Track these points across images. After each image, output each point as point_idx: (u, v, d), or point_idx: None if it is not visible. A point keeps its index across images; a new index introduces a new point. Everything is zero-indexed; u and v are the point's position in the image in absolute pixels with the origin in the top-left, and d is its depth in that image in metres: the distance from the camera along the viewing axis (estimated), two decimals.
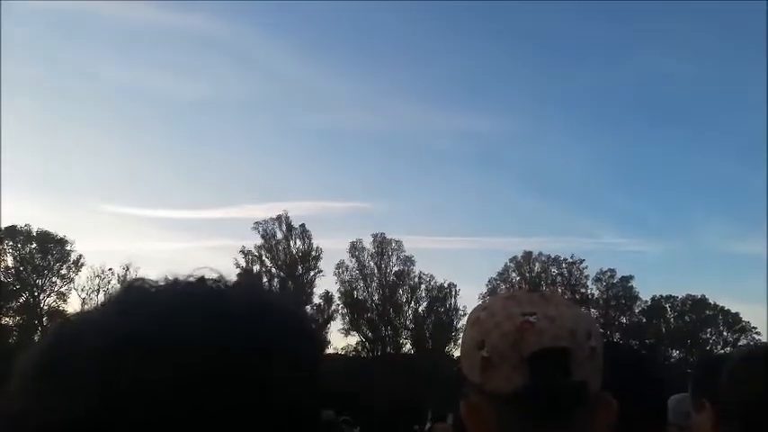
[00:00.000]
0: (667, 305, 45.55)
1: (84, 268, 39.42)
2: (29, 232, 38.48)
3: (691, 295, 45.09)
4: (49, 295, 38.94)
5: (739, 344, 42.55)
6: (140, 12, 53.85)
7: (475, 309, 0.88)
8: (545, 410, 0.78)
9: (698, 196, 59.64)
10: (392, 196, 62.81)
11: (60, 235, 38.98)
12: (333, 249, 55.29)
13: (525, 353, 0.78)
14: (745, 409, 1.13)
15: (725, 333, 44.31)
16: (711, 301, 44.56)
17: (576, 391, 0.78)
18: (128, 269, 39.81)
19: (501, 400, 0.79)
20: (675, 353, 44.09)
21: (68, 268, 39.33)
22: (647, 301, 45.32)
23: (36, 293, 38.48)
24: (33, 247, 38.68)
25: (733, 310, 44.20)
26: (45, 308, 38.59)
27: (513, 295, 0.86)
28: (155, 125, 58.94)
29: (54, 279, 39.07)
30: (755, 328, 43.29)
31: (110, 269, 39.59)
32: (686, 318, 44.95)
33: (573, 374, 0.78)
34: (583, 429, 0.81)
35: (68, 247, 39.22)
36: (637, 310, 45.36)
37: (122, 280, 39.48)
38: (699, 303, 44.78)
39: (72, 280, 39.35)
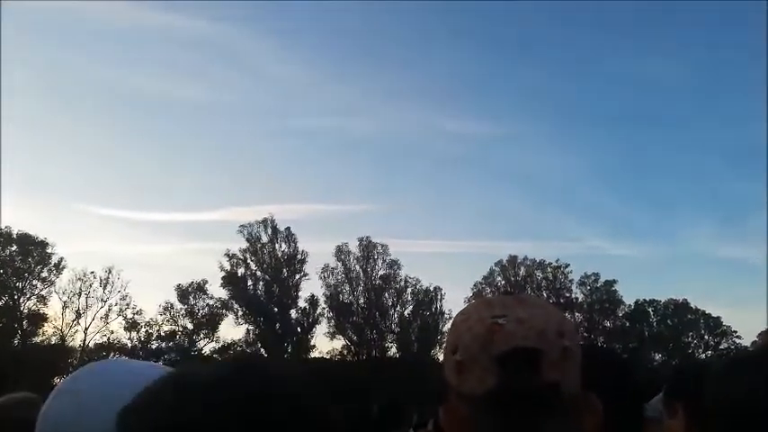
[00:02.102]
0: (650, 309, 46.06)
1: (65, 271, 38.95)
2: (9, 234, 37.87)
3: (673, 299, 45.70)
4: (29, 298, 38.36)
5: (720, 347, 43.20)
6: (133, 12, 53.41)
7: (456, 315, 0.90)
8: (517, 411, 0.78)
9: (682, 201, 60.50)
10: (378, 200, 62.86)
11: (41, 237, 38.50)
12: (318, 253, 55.07)
13: (494, 354, 0.78)
14: (720, 418, 1.14)
15: (706, 337, 44.90)
16: (693, 305, 45.23)
17: (547, 391, 0.78)
18: (110, 272, 39.37)
19: (476, 403, 0.80)
20: (658, 356, 44.56)
21: (49, 271, 38.78)
22: (630, 305, 45.84)
23: (16, 296, 37.86)
24: (13, 249, 38.07)
25: (714, 315, 44.90)
26: (25, 311, 37.99)
27: (488, 299, 0.88)
28: (141, 127, 58.48)
29: (34, 282, 38.50)
30: (736, 332, 43.99)
31: (92, 272, 39.13)
32: (668, 322, 45.47)
33: (543, 374, 0.78)
34: (561, 431, 0.80)
35: (49, 250, 38.72)
36: (620, 314, 45.81)
37: (104, 283, 39.10)
38: (681, 307, 45.34)
39: (53, 283, 38.81)
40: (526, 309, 0.83)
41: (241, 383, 0.64)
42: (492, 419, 0.80)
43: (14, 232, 37.98)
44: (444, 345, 0.89)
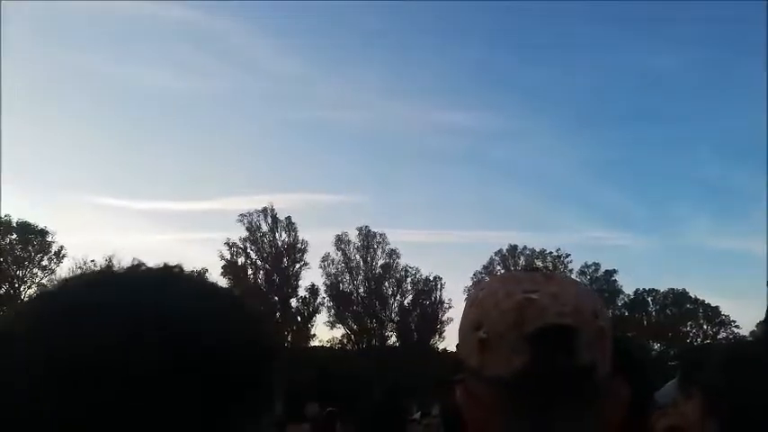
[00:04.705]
0: (649, 298, 46.20)
1: (65, 260, 39.00)
2: (9, 223, 37.88)
3: (672, 289, 45.81)
4: (29, 287, 38.37)
5: (719, 337, 43.34)
6: (131, 3, 53.04)
7: (474, 290, 0.81)
8: (548, 395, 0.70)
9: (682, 192, 60.46)
10: (378, 190, 62.76)
11: (41, 226, 38.53)
12: (318, 242, 55.14)
13: (526, 332, 0.70)
14: (735, 403, 1.12)
15: (705, 326, 45.06)
16: (692, 294, 45.36)
17: (583, 373, 0.70)
18: (110, 261, 39.30)
19: (500, 385, 0.72)
20: (656, 346, 44.76)
21: (50, 260, 38.86)
22: (629, 295, 45.98)
23: (16, 285, 37.93)
24: (13, 237, 38.10)
25: (713, 304, 45.05)
26: (25, 299, 38.00)
27: (514, 274, 0.79)
28: (141, 117, 58.26)
29: (35, 270, 38.59)
30: (734, 321, 44.15)
31: (92, 260, 39.15)
32: (668, 311, 45.61)
33: (579, 355, 0.70)
34: (592, 417, 0.73)
35: (50, 238, 38.76)
36: (619, 304, 45.94)
37: None
38: (680, 297, 45.46)
39: (53, 271, 38.78)
40: (558, 285, 0.74)
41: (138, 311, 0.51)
42: (518, 404, 0.72)
43: (14, 221, 38.05)
44: (461, 322, 0.79)
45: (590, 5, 58.29)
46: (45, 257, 38.78)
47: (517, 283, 0.75)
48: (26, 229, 38.16)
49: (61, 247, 38.99)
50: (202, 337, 0.52)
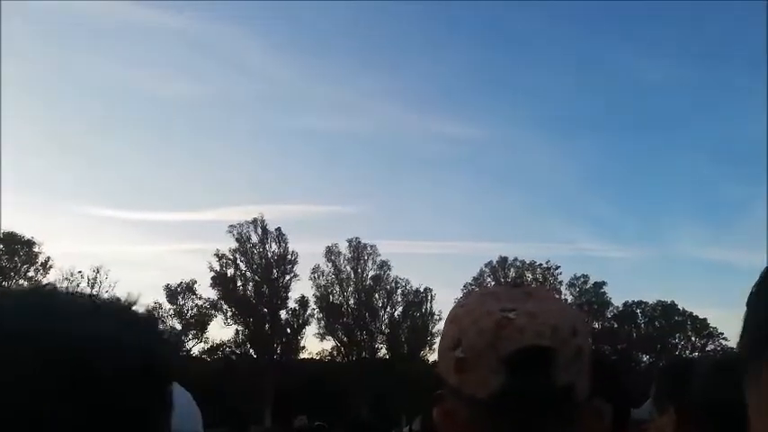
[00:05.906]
0: (638, 311, 46.41)
1: (52, 270, 38.59)
2: None
3: (661, 301, 46.05)
4: None
5: (707, 349, 43.60)
6: (125, 10, 53.04)
7: (454, 306, 0.81)
8: (523, 416, 0.70)
9: (671, 204, 61.03)
10: (369, 200, 62.90)
11: (28, 236, 38.13)
12: (309, 253, 55.00)
13: (503, 353, 0.69)
14: (710, 415, 1.14)
15: (693, 338, 45.31)
16: (681, 306, 45.63)
17: (560, 395, 0.70)
18: (98, 271, 39.04)
19: (477, 406, 0.71)
20: (645, 358, 44.89)
21: (36, 270, 38.40)
22: (618, 307, 46.17)
23: None
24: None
25: (701, 316, 45.34)
26: None
27: (494, 291, 0.78)
28: (131, 125, 58.08)
29: (21, 281, 38.04)
30: (722, 333, 44.45)
31: (79, 272, 38.75)
32: (656, 323, 45.83)
33: (556, 376, 0.69)
34: None
35: (36, 249, 38.35)
36: (609, 316, 46.10)
37: (92, 283, 38.75)
38: (669, 309, 45.71)
39: (40, 283, 38.40)
40: (537, 303, 0.73)
41: None
42: (496, 424, 0.71)
43: (0, 231, 37.63)
44: (441, 339, 0.78)
45: (587, 11, 59.06)
46: (31, 268, 38.35)
47: (496, 301, 0.74)
48: (12, 240, 37.74)
49: (48, 257, 38.63)
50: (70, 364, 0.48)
